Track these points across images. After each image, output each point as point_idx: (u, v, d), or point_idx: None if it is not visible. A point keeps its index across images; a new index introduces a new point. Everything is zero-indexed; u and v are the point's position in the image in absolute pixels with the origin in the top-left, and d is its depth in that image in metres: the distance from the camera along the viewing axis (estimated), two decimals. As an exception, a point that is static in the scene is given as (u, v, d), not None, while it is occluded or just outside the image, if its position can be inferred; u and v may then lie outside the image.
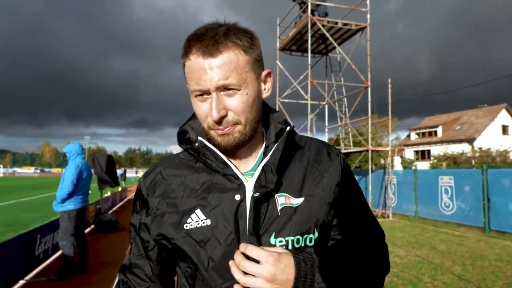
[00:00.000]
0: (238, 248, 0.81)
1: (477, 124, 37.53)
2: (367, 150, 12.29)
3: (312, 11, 12.42)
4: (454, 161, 24.43)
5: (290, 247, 0.84)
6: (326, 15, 12.86)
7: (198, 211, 0.86)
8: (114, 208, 13.40)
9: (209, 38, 0.79)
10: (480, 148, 28.32)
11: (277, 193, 0.87)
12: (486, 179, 9.37)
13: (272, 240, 0.83)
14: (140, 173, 41.62)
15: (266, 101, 0.98)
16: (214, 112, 0.80)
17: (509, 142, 32.61)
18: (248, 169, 0.91)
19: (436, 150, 37.48)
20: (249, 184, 0.87)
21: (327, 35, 12.01)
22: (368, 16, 12.22)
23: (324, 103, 14.66)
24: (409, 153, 42.37)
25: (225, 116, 0.82)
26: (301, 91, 12.45)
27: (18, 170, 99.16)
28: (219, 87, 0.79)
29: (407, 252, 6.95)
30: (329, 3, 12.40)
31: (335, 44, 12.32)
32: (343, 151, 13.79)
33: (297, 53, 14.90)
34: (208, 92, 0.80)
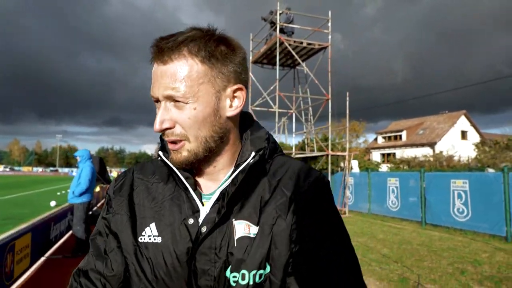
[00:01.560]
0: (183, 273, 0.75)
1: (438, 129, 40.13)
2: (327, 155, 13.94)
3: (281, 29, 13.97)
4: (408, 164, 26.64)
5: (240, 281, 0.74)
6: (292, 33, 14.44)
7: (152, 225, 0.79)
8: (98, 204, 14.44)
9: (165, 44, 0.73)
10: (440, 152, 30.68)
11: (236, 220, 0.77)
12: (423, 180, 11.14)
13: (228, 274, 0.74)
14: (114, 173, 41.81)
15: (251, 114, 0.92)
16: (156, 123, 0.75)
17: (467, 147, 35.39)
18: (211, 190, 0.82)
19: (401, 153, 39.96)
20: (204, 209, 0.78)
21: (293, 53, 13.59)
22: (329, 36, 13.88)
23: (292, 111, 16.26)
24: (376, 156, 44.72)
25: (172, 128, 0.75)
26: (270, 102, 13.95)
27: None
28: (166, 96, 0.73)
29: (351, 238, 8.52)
30: (295, 25, 13.98)
31: (299, 60, 13.95)
32: (305, 155, 15.41)
33: (268, 66, 16.43)
34: (158, 100, 0.76)
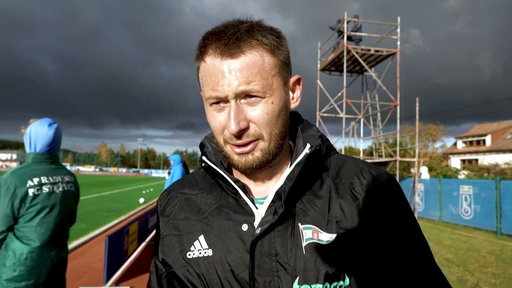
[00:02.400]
0: (241, 287, 0.68)
1: None
2: (395, 160, 13.96)
3: (349, 37, 14.38)
4: (488, 172, 24.81)
5: None
6: (360, 40, 14.74)
7: (201, 238, 0.74)
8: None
9: (229, 36, 0.66)
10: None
11: (302, 224, 0.70)
12: (499, 189, 10.75)
13: (295, 287, 0.66)
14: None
15: (299, 113, 0.85)
16: (232, 124, 0.67)
17: None
18: (264, 195, 0.76)
19: (484, 160, 37.09)
20: (259, 212, 0.72)
21: (360, 60, 13.91)
22: (398, 43, 13.93)
23: (360, 117, 16.46)
24: (456, 162, 41.97)
25: (246, 129, 0.68)
26: (337, 109, 14.39)
27: (80, 168, 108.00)
28: (239, 93, 0.67)
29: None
30: (363, 33, 14.27)
31: (367, 68, 14.20)
32: (373, 160, 15.52)
33: (336, 72, 16.85)
34: (225, 100, 0.68)
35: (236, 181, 0.75)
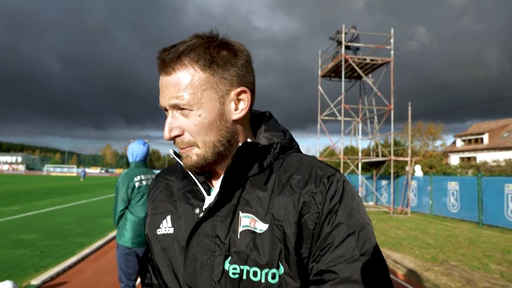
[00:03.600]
0: (184, 263, 0.79)
1: None
2: (389, 160, 15.28)
3: (347, 47, 15.73)
4: (478, 169, 26.06)
5: (244, 277, 0.74)
6: (358, 49, 16.08)
7: (168, 217, 0.86)
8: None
9: (166, 55, 0.76)
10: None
11: (242, 212, 0.78)
12: (481, 184, 12.05)
13: (226, 265, 0.75)
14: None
15: (270, 114, 0.92)
16: (165, 132, 0.78)
17: None
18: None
19: (482, 157, 38.21)
20: (209, 199, 0.82)
21: (357, 68, 15.26)
22: (392, 52, 15.25)
23: (358, 119, 17.80)
24: (455, 160, 43.06)
25: (180, 135, 0.79)
26: (336, 113, 15.74)
27: (87, 170, 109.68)
28: (172, 105, 0.77)
29: (404, 232, 10.04)
30: (360, 44, 15.60)
31: (363, 75, 15.54)
32: (370, 160, 16.85)
33: (336, 78, 18.18)
34: (166, 110, 0.79)
35: (197, 173, 0.85)
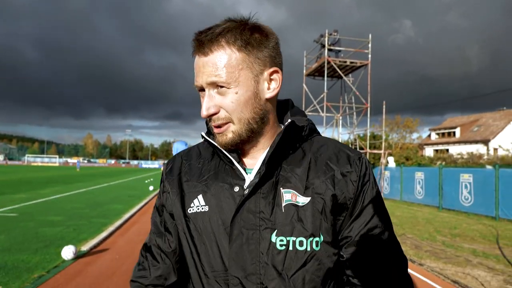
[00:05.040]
0: (228, 239, 0.82)
1: (493, 127, 39.99)
2: (366, 152, 17.08)
3: (330, 49, 17.35)
4: (444, 161, 28.41)
5: (291, 248, 0.81)
6: (339, 51, 17.71)
7: (200, 197, 0.89)
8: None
9: (204, 37, 0.81)
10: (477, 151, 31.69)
11: (283, 188, 0.84)
12: (441, 174, 13.93)
13: (273, 238, 0.81)
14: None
15: (291, 101, 0.99)
16: (202, 110, 0.83)
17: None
18: (253, 166, 0.90)
19: (454, 150, 40.70)
20: (249, 177, 0.87)
21: (338, 70, 16.91)
22: (369, 56, 16.93)
23: (338, 115, 19.54)
24: (429, 152, 45.47)
25: (216, 113, 0.83)
26: (319, 110, 17.41)
27: (68, 160, 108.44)
28: (209, 84, 0.82)
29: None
30: (341, 48, 17.25)
31: (343, 76, 17.23)
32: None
33: (319, 77, 19.81)
34: (203, 89, 0.84)
35: (232, 152, 0.89)
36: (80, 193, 16.45)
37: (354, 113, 19.06)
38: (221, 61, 0.80)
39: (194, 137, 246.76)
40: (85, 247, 6.28)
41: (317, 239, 0.82)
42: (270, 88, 0.87)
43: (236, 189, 0.86)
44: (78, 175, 34.34)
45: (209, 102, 0.83)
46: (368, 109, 16.92)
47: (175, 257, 0.95)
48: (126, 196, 15.33)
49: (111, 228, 8.08)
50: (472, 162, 26.04)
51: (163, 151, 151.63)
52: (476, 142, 39.22)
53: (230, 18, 0.85)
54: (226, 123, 0.84)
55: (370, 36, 16.84)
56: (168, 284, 0.95)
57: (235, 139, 0.85)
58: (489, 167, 15.74)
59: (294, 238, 0.81)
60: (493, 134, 38.47)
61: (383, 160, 17.19)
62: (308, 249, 0.81)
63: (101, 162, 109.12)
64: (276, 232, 0.81)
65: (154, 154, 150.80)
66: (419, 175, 15.38)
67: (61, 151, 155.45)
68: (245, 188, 0.85)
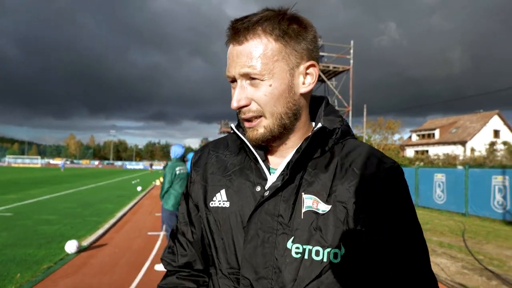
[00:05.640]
0: (244, 238, 0.80)
1: (470, 128, 41.49)
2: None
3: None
4: (422, 161, 29.66)
5: (306, 257, 0.76)
6: (322, 56, 18.50)
7: (222, 191, 0.87)
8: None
9: (240, 24, 0.78)
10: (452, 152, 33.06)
11: (305, 194, 0.79)
12: (417, 174, 14.81)
13: (289, 245, 0.77)
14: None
15: (327, 98, 0.94)
16: (233, 101, 0.80)
17: (499, 145, 37.03)
18: (278, 166, 0.86)
19: (434, 151, 42.08)
20: (272, 178, 0.83)
21: (321, 74, 17.64)
22: (351, 61, 17.77)
23: (322, 118, 20.38)
24: (410, 153, 46.81)
25: (247, 105, 0.80)
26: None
27: (51, 161, 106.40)
28: (242, 75, 0.78)
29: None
30: (324, 53, 18.06)
31: (326, 80, 18.04)
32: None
33: (303, 81, 20.60)
34: (234, 80, 0.81)
35: (259, 149, 0.86)
36: (69, 193, 16.72)
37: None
38: (256, 51, 0.77)
39: (179, 138, 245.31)
40: (85, 243, 6.76)
41: (336, 250, 0.76)
42: (305, 82, 0.83)
43: (258, 188, 0.83)
44: (63, 176, 34.21)
45: (240, 94, 0.79)
46: (350, 112, 17.73)
47: (200, 246, 0.94)
48: (115, 196, 15.68)
49: (106, 226, 8.55)
50: (448, 163, 27.24)
51: (148, 152, 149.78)
52: (454, 143, 40.61)
53: (268, 7, 0.82)
54: (257, 117, 0.81)
55: (352, 42, 17.68)
56: (195, 269, 0.96)
57: (266, 135, 0.82)
58: (460, 167, 16.74)
59: (310, 247, 0.77)
60: (470, 136, 39.91)
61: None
62: (325, 259, 0.76)
63: (84, 163, 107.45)
64: (293, 239, 0.78)
65: (138, 155, 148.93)
66: (397, 175, 16.24)
67: (43, 152, 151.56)
68: (266, 188, 0.82)
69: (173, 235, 1.01)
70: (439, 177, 13.56)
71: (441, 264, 6.14)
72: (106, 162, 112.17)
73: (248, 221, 0.81)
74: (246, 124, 0.83)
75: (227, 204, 0.86)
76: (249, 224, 0.81)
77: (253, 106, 0.80)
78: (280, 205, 0.80)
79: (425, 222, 10.77)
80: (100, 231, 7.89)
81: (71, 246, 6.04)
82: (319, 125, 0.82)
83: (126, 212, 11.21)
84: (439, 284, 5.06)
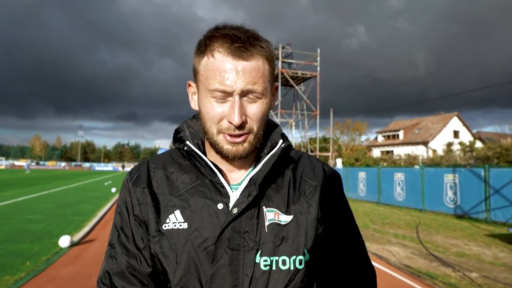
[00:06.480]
0: (210, 258, 0.78)
1: (432, 129, 43.54)
2: (315, 155, 19.03)
3: (283, 61, 19.17)
4: (386, 162, 31.52)
5: (274, 268, 0.79)
6: (291, 63, 19.60)
7: (177, 212, 0.82)
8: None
9: (243, 40, 0.77)
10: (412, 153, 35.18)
11: (266, 208, 0.82)
12: (380, 173, 16.07)
13: (257, 259, 0.79)
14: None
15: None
16: (236, 117, 0.77)
17: (455, 145, 39.43)
18: (237, 181, 0.87)
19: (398, 151, 44.17)
20: (234, 195, 0.83)
21: (290, 80, 18.77)
22: (318, 68, 18.89)
23: (292, 120, 21.41)
24: (377, 153, 48.75)
25: (244, 123, 0.79)
26: (274, 116, 19.12)
27: (16, 162, 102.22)
28: (245, 91, 0.77)
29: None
30: (294, 61, 19.14)
31: (295, 86, 19.18)
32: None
33: (275, 85, 21.64)
34: (230, 95, 0.78)
35: (216, 166, 0.85)
36: (44, 195, 16.75)
37: (306, 119, 21.03)
38: (260, 69, 0.78)
39: (149, 139, 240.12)
40: (75, 238, 7.29)
41: (300, 257, 0.81)
42: (273, 102, 0.87)
43: (220, 206, 0.81)
44: (30, 177, 33.41)
45: (242, 109, 0.78)
46: (318, 115, 18.88)
47: (155, 278, 0.84)
48: (91, 198, 15.92)
49: (90, 224, 9.05)
50: (409, 163, 29.09)
51: (117, 153, 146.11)
52: (417, 143, 42.56)
53: (237, 25, 0.82)
54: (247, 133, 0.81)
55: (318, 50, 18.79)
56: None
57: (250, 150, 0.83)
58: (416, 167, 18.23)
59: (277, 258, 0.79)
60: (432, 136, 41.99)
61: (331, 162, 19.18)
62: (292, 268, 0.80)
63: (51, 164, 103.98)
64: (261, 253, 0.79)
65: (106, 156, 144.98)
66: (362, 175, 17.50)
67: (6, 153, 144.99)
68: (230, 206, 0.81)
69: (110, 276, 0.85)
70: (399, 176, 14.85)
71: (393, 251, 7.17)
72: (73, 163, 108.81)
73: (216, 240, 0.79)
74: (231, 139, 0.81)
75: (184, 226, 0.81)
76: (217, 243, 0.79)
77: (248, 124, 0.80)
78: (246, 221, 0.81)
79: (385, 217, 11.92)
80: (86, 229, 8.40)
81: (64, 241, 6.58)
82: (281, 141, 0.89)
83: (107, 211, 11.67)
84: (389, 267, 6.21)
